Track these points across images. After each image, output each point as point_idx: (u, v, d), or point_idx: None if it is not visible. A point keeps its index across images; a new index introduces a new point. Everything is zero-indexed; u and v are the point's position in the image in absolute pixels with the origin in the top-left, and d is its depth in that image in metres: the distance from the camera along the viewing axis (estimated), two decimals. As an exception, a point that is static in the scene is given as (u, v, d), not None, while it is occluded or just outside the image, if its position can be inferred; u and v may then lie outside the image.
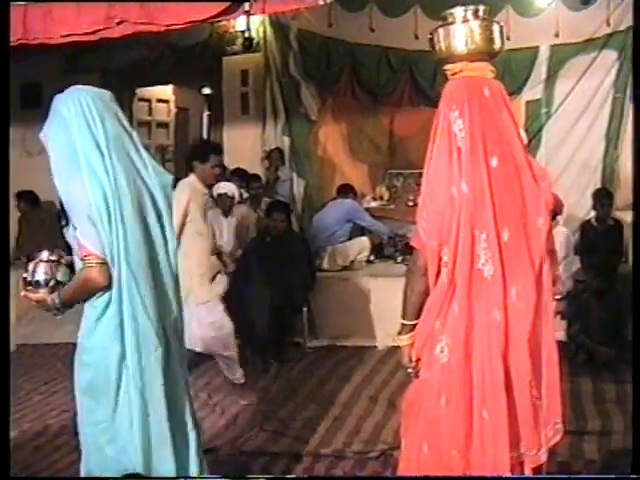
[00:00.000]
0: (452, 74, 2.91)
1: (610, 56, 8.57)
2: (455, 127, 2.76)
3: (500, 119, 2.80)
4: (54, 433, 5.23)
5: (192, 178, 5.54)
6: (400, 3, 8.88)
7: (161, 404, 3.07)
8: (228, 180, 8.24)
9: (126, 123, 3.17)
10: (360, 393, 5.82)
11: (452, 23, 2.88)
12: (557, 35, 8.60)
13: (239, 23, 8.61)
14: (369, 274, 7.70)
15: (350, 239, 8.13)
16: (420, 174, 9.45)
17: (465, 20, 2.86)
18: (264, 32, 9.78)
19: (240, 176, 8.85)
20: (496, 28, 2.90)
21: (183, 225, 5.29)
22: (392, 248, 8.51)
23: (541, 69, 8.79)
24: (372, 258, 8.24)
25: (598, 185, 8.32)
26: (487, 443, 2.75)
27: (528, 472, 2.82)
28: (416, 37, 9.00)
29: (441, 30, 2.91)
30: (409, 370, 2.97)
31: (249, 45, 8.08)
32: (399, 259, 8.18)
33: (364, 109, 9.95)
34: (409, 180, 9.79)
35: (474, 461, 2.77)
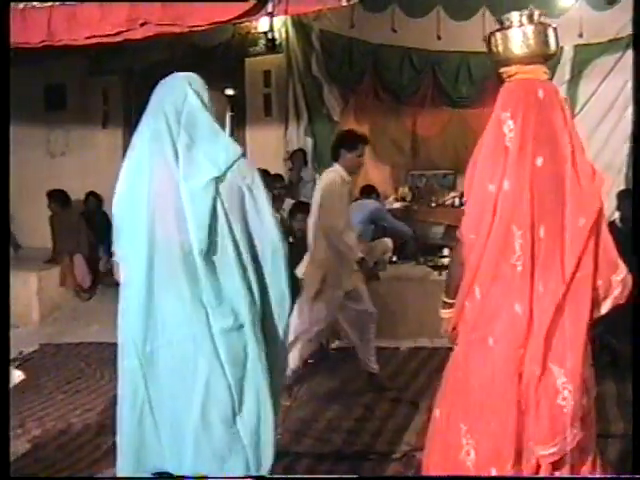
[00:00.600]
0: (507, 76, 3.00)
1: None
2: (505, 128, 2.85)
3: (552, 120, 2.88)
4: (77, 432, 5.23)
5: (337, 167, 5.66)
6: (422, 4, 8.87)
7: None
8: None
9: None
10: (383, 394, 5.81)
11: (509, 27, 2.99)
12: (581, 35, 8.56)
13: (261, 24, 8.62)
14: (391, 275, 7.69)
15: (373, 240, 8.11)
16: (444, 175, 9.43)
17: (521, 24, 2.97)
18: (286, 33, 9.81)
19: (262, 177, 8.87)
20: (550, 31, 2.99)
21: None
22: (414, 249, 8.50)
23: (565, 69, 8.74)
24: (395, 259, 8.22)
25: (622, 186, 8.25)
26: (491, 433, 2.84)
27: (543, 469, 2.86)
28: (438, 37, 9.02)
29: (498, 34, 3.01)
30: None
31: (272, 46, 8.09)
32: (421, 260, 8.17)
33: (386, 110, 9.96)
34: (432, 181, 9.78)
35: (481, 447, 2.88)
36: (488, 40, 3.06)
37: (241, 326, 3.10)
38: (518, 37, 2.96)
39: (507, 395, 2.82)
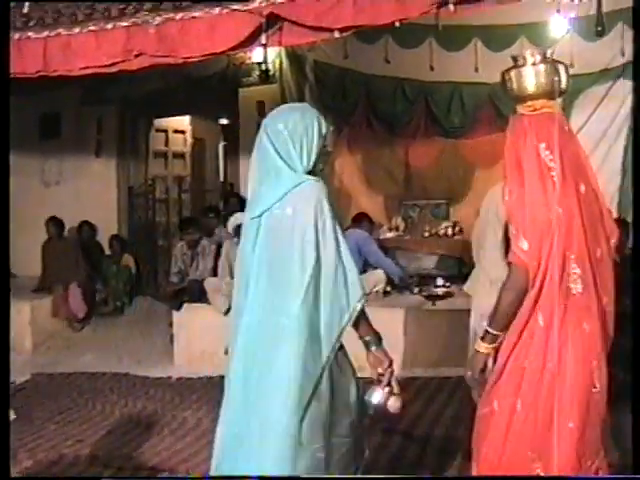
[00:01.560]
0: (532, 110, 3.16)
1: (625, 86, 8.59)
2: (545, 158, 3.03)
3: (576, 151, 3.14)
4: (69, 463, 5.20)
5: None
6: (415, 35, 8.92)
7: None
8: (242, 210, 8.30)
9: None
10: (375, 425, 5.76)
11: (523, 65, 3.19)
12: (572, 66, 8.60)
13: (255, 55, 8.67)
14: (385, 305, 7.67)
15: (365, 269, 8.08)
16: (437, 204, 9.48)
17: (534, 63, 3.17)
18: (280, 63, 9.85)
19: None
20: (561, 68, 3.22)
21: None
22: (405, 284, 8.42)
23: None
24: (389, 289, 8.20)
25: (615, 215, 8.29)
26: (567, 451, 3.00)
27: None
28: (431, 68, 9.07)
29: (513, 72, 3.21)
30: (472, 377, 3.25)
31: (265, 76, 8.12)
32: (415, 290, 8.17)
33: (380, 140, 10.00)
34: (425, 211, 9.82)
35: (549, 465, 3.00)
36: (502, 77, 3.26)
37: None
38: (531, 75, 3.16)
39: (584, 413, 3.05)
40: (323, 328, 3.08)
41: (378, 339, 3.27)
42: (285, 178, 3.12)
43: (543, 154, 3.03)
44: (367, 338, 3.26)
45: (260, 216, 3.14)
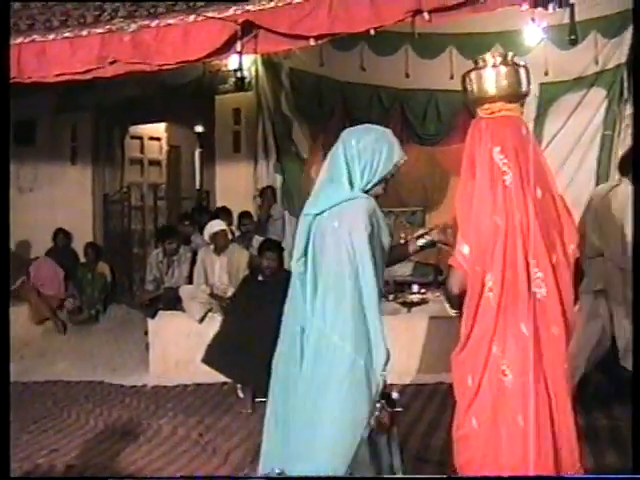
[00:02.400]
0: (490, 113, 3.11)
1: (599, 94, 8.68)
2: (498, 162, 2.99)
3: (535, 155, 3.05)
4: (43, 472, 5.15)
5: None
6: (391, 42, 8.95)
7: None
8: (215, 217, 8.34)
9: None
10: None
11: (483, 67, 3.12)
12: (547, 74, 8.68)
13: (231, 62, 8.68)
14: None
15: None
16: (412, 212, 9.46)
17: (495, 65, 3.10)
18: (256, 71, 9.86)
19: (225, 214, 8.92)
20: (522, 72, 3.13)
21: None
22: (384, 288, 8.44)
23: (531, 107, 8.85)
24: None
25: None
26: (545, 461, 2.96)
27: None
28: (407, 75, 9.12)
29: (473, 74, 3.14)
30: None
31: (241, 84, 8.13)
32: (390, 297, 8.16)
33: (355, 147, 9.98)
34: (401, 218, 9.82)
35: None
36: (463, 79, 3.18)
37: None
38: (492, 77, 3.09)
39: (567, 416, 3.05)
40: None
41: None
42: (341, 190, 3.26)
43: (497, 158, 2.99)
44: None
45: (313, 216, 3.27)
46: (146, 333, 8.13)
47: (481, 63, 3.13)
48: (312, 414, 3.12)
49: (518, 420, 2.97)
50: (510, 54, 3.14)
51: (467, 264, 3.01)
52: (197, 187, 14.10)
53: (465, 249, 3.01)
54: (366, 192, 3.28)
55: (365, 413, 3.05)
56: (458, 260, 3.04)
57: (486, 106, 3.11)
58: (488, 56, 3.13)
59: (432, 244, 3.52)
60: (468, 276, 3.02)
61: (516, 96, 3.12)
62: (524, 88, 3.15)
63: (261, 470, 3.38)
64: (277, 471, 3.21)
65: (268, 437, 3.38)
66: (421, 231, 3.57)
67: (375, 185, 3.31)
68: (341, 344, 3.06)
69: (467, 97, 3.20)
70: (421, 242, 3.51)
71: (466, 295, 3.06)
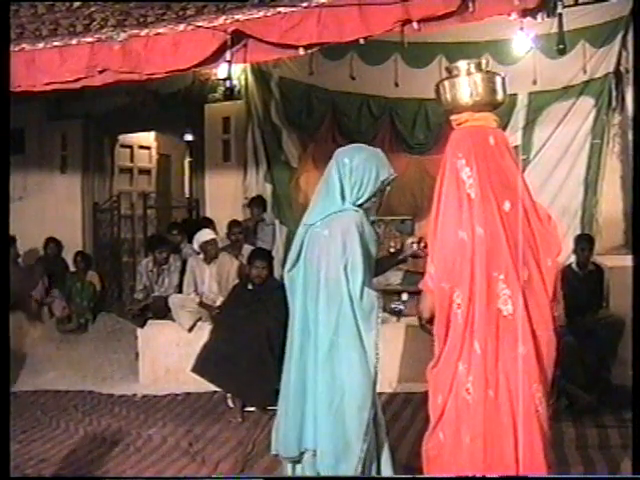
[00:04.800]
0: (458, 124, 3.06)
1: (587, 103, 8.69)
2: (463, 175, 2.93)
3: (505, 166, 2.98)
4: (32, 483, 5.14)
5: None
6: (380, 52, 8.97)
7: None
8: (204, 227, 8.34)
9: None
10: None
11: (457, 76, 3.06)
12: (535, 83, 8.71)
13: (221, 71, 8.69)
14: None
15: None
16: (402, 220, 9.45)
17: (469, 73, 3.04)
18: (246, 80, 9.86)
19: (209, 224, 8.94)
20: (498, 80, 3.07)
21: None
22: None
23: (520, 116, 8.88)
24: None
25: (578, 230, 8.37)
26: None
27: None
28: (396, 85, 9.14)
29: (446, 82, 3.10)
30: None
31: (231, 93, 8.13)
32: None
33: (345, 156, 9.98)
34: (390, 227, 9.82)
35: None
36: (437, 88, 3.13)
37: None
38: (466, 85, 3.04)
39: (533, 434, 2.95)
40: None
41: None
42: (333, 202, 3.55)
43: (462, 170, 2.93)
44: None
45: (307, 226, 3.64)
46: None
47: (455, 72, 3.09)
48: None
49: (465, 438, 2.98)
50: (484, 62, 3.09)
51: (433, 283, 2.98)
52: (187, 195, 14.10)
53: (432, 269, 3.00)
54: (360, 205, 3.53)
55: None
56: (427, 284, 3.02)
57: (454, 117, 3.07)
58: (462, 64, 3.07)
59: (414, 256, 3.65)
60: (434, 294, 2.98)
61: (491, 105, 3.06)
62: (499, 96, 3.08)
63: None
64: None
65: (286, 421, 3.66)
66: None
67: (367, 200, 3.54)
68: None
69: (442, 106, 3.17)
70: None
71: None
